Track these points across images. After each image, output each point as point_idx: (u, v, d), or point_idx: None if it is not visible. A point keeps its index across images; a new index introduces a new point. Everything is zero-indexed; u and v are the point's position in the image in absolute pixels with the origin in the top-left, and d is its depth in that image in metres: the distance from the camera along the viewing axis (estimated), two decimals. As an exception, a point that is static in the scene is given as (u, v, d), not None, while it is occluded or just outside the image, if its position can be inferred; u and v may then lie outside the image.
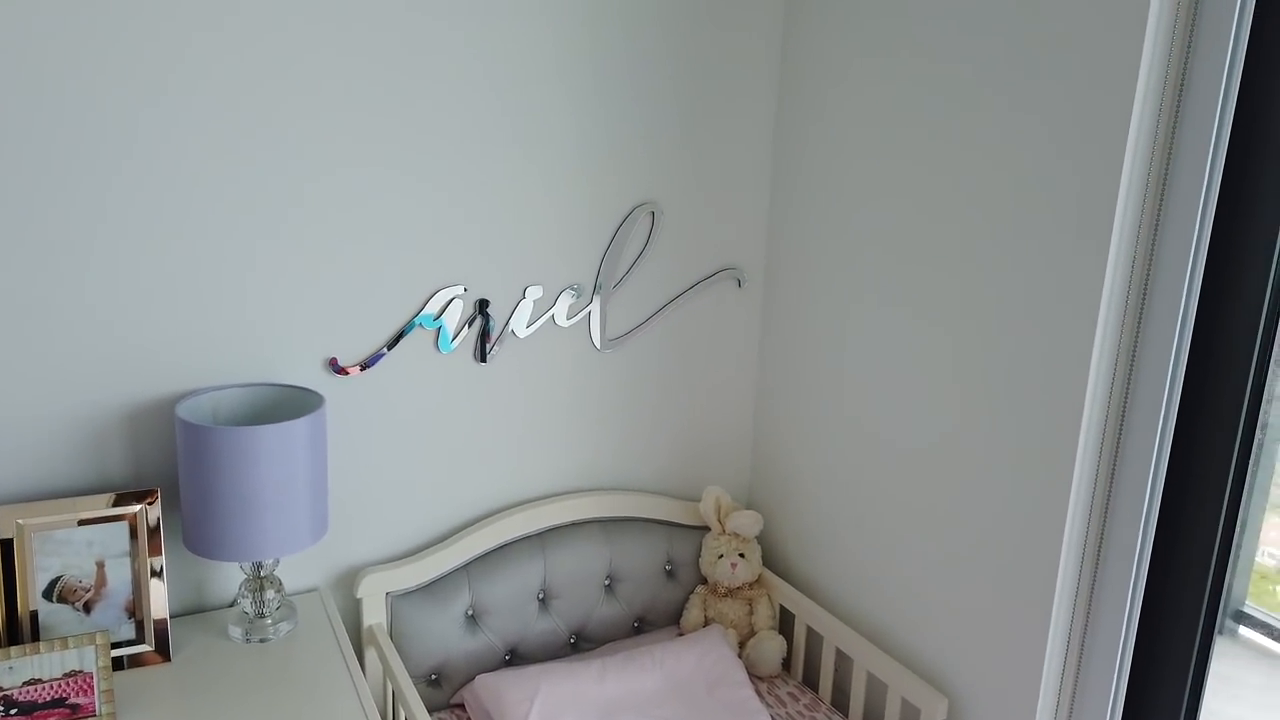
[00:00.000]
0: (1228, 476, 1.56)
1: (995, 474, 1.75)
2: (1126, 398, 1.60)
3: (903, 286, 1.93)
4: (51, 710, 1.54)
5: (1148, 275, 1.55)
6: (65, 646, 1.55)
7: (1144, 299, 1.56)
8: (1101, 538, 1.66)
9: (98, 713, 1.57)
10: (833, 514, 2.20)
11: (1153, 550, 1.65)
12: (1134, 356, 1.58)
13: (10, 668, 1.51)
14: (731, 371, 2.40)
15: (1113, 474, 1.64)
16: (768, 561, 2.42)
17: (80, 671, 1.56)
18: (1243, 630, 3.50)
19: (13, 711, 1.52)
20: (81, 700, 1.56)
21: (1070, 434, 1.60)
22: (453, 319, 2.03)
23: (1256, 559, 2.91)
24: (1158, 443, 1.58)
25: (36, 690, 1.53)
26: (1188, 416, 1.58)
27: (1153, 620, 1.68)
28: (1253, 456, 1.55)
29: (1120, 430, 1.62)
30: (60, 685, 1.55)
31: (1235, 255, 1.50)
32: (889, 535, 2.03)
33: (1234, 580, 3.46)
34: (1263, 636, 3.42)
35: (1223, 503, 1.57)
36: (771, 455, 2.40)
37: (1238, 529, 1.58)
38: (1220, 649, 3.50)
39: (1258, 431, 1.53)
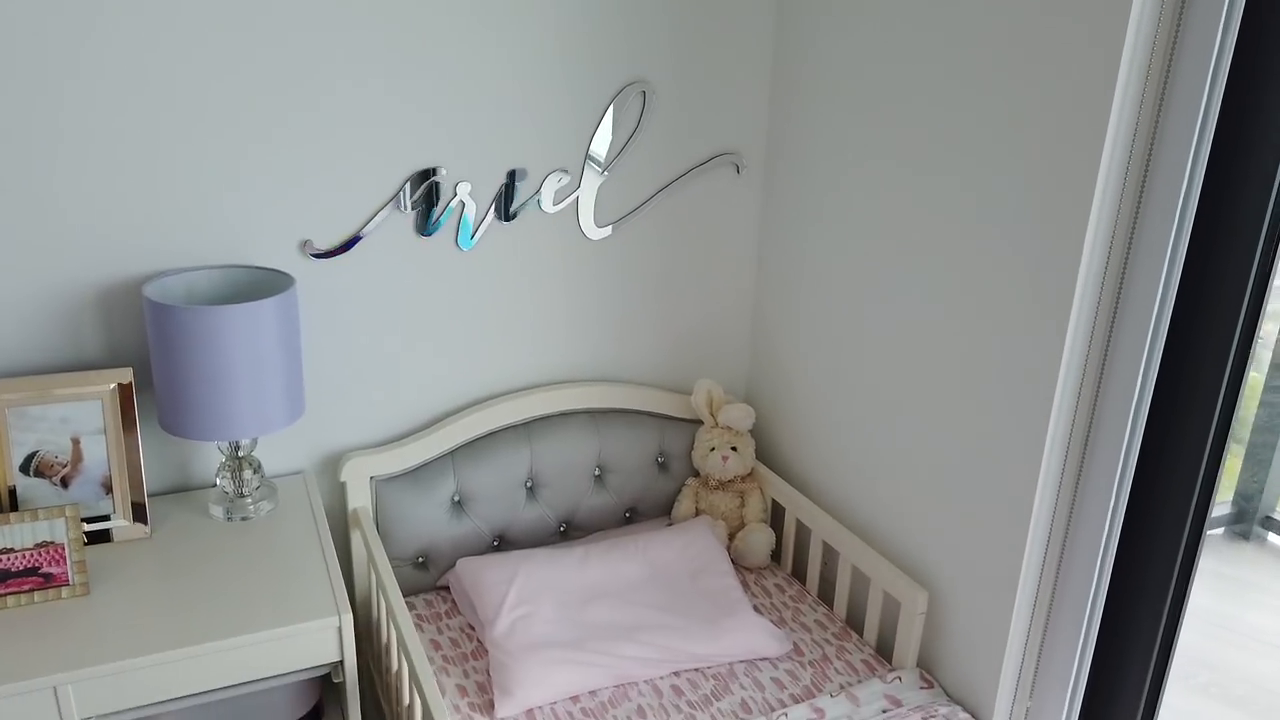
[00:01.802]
0: (1224, 374, 1.47)
1: (983, 372, 1.67)
2: (1119, 295, 1.49)
3: (904, 179, 1.82)
4: (25, 578, 1.57)
5: (1146, 164, 1.43)
6: (35, 518, 1.57)
7: (1142, 189, 1.44)
8: (1087, 439, 1.58)
9: (70, 582, 1.60)
10: (827, 410, 2.14)
11: (1140, 452, 1.57)
12: (1129, 249, 1.47)
13: (-18, 536, 1.54)
14: (729, 263, 2.32)
15: (1101, 373, 1.55)
16: (763, 456, 2.38)
17: (52, 543, 1.58)
18: (1271, 537, 3.41)
19: (-13, 578, 1.55)
20: (54, 570, 1.59)
21: (1058, 330, 1.51)
22: (430, 203, 1.97)
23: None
24: (1149, 342, 1.48)
25: (10, 559, 1.56)
26: (1183, 313, 1.48)
27: (1138, 522, 1.62)
28: (1251, 355, 1.45)
29: (1110, 327, 1.52)
30: (33, 555, 1.57)
31: (1236, 155, 1.37)
32: (881, 432, 1.97)
33: (1266, 486, 3.36)
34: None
35: (1217, 401, 1.48)
36: (770, 350, 2.34)
37: (1232, 427, 1.48)
38: (1248, 555, 3.42)
39: (1260, 327, 1.43)
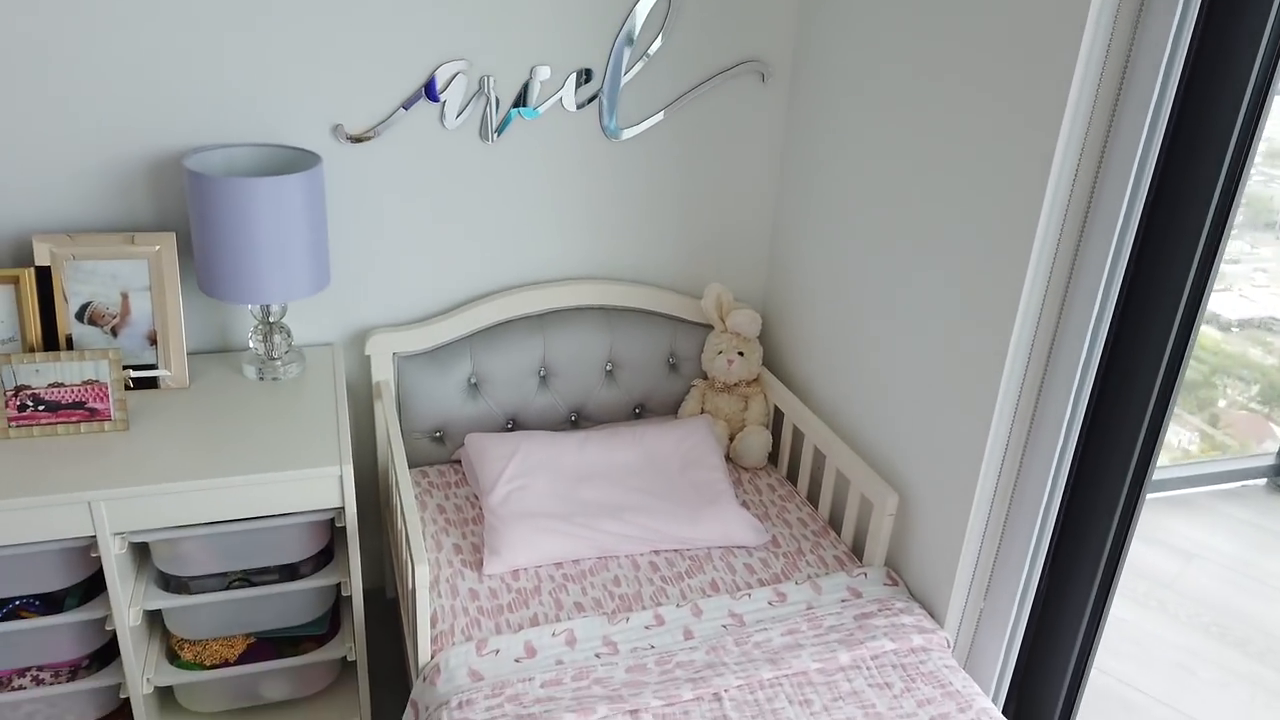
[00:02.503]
0: (1186, 281, 1.47)
1: (958, 292, 1.70)
2: (1084, 221, 1.50)
3: (919, 97, 1.83)
4: (73, 410, 1.79)
5: (1119, 89, 1.42)
6: (83, 358, 1.77)
7: (1107, 136, 1.44)
8: (1048, 358, 1.61)
9: (112, 418, 1.81)
10: (831, 321, 2.19)
11: (1097, 373, 1.59)
12: (1095, 177, 1.47)
13: (37, 370, 1.75)
14: (750, 171, 2.36)
15: (1063, 296, 1.57)
16: (771, 363, 2.46)
17: (97, 381, 1.78)
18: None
19: (40, 407, 1.77)
20: (98, 406, 1.80)
21: (1023, 254, 1.53)
22: (456, 95, 2.07)
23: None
24: (1109, 265, 1.49)
25: (60, 392, 1.77)
26: (1145, 232, 1.49)
27: (1094, 441, 1.65)
28: (1214, 268, 1.45)
29: (1075, 253, 1.53)
30: (80, 390, 1.78)
31: (1191, 127, 1.36)
32: (874, 346, 2.02)
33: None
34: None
35: (1176, 311, 1.49)
36: (786, 261, 2.39)
37: (1193, 333, 1.49)
38: (1269, 504, 3.37)
39: (1223, 239, 1.42)
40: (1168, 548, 2.97)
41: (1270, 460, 3.36)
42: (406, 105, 2.05)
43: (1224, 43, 1.36)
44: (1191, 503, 3.24)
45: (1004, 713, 1.90)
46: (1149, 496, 3.34)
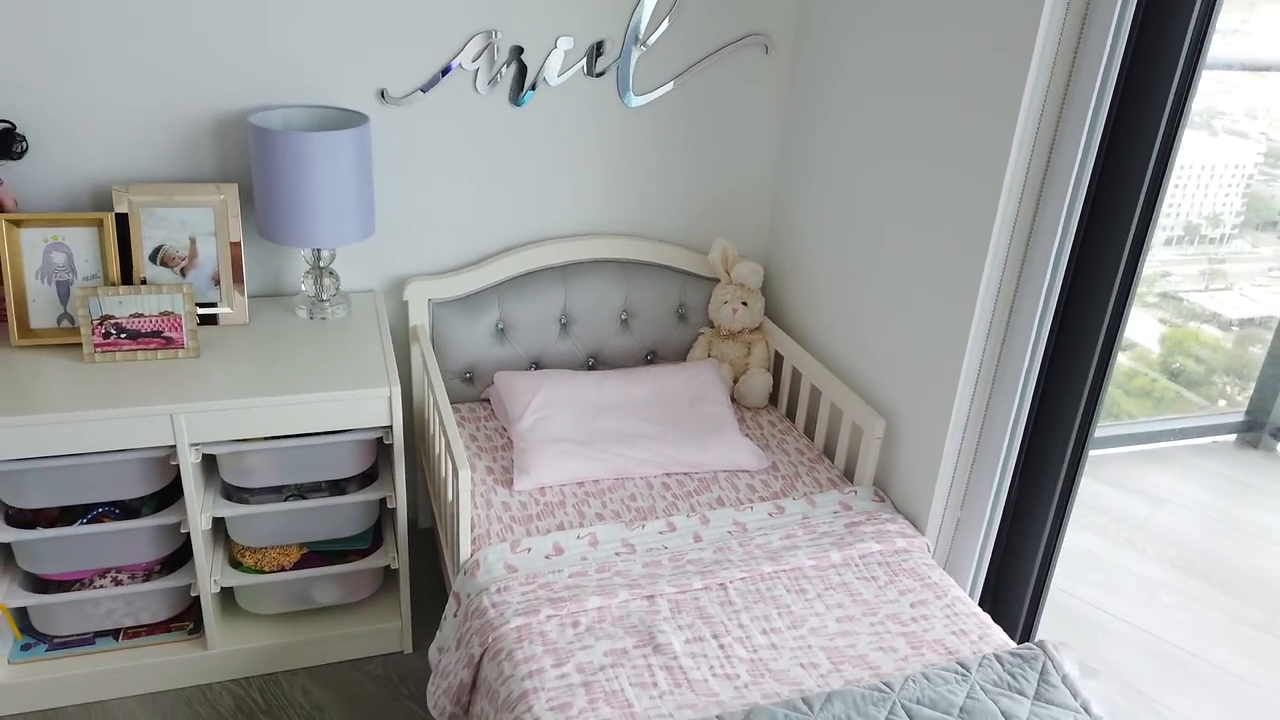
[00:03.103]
0: (1130, 228, 1.69)
1: (936, 237, 1.92)
2: (1044, 175, 1.71)
3: (904, 75, 2.05)
4: (151, 339, 2.01)
5: (1069, 79, 1.63)
6: (160, 291, 1.99)
7: (1063, 100, 1.65)
8: (1015, 291, 1.82)
9: (185, 346, 2.03)
10: (827, 271, 2.40)
11: (1057, 308, 1.81)
12: (1053, 138, 1.69)
13: (120, 302, 1.97)
14: (754, 136, 2.58)
15: (1027, 239, 1.78)
16: (772, 312, 2.68)
17: (172, 313, 2.00)
18: (1280, 446, 3.56)
19: (122, 335, 1.99)
20: (173, 335, 2.02)
21: (991, 204, 1.74)
22: (487, 63, 2.28)
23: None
24: (1066, 208, 1.70)
25: (140, 322, 1.99)
26: (1099, 185, 1.70)
27: (1055, 369, 1.86)
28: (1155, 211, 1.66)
29: (1036, 203, 1.75)
30: (157, 321, 2.00)
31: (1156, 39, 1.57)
32: (863, 289, 2.23)
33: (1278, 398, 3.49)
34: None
35: (1122, 255, 1.70)
36: (786, 218, 2.60)
37: (1140, 263, 1.71)
38: (1254, 461, 3.59)
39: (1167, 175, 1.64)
40: (1140, 494, 3.19)
41: (1239, 417, 3.57)
42: (443, 72, 2.26)
43: (1163, 7, 1.58)
44: (1164, 455, 3.46)
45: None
46: (1124, 450, 3.57)
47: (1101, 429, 3.48)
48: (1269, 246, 3.60)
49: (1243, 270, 3.89)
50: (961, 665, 1.62)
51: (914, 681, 1.58)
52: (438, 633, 1.94)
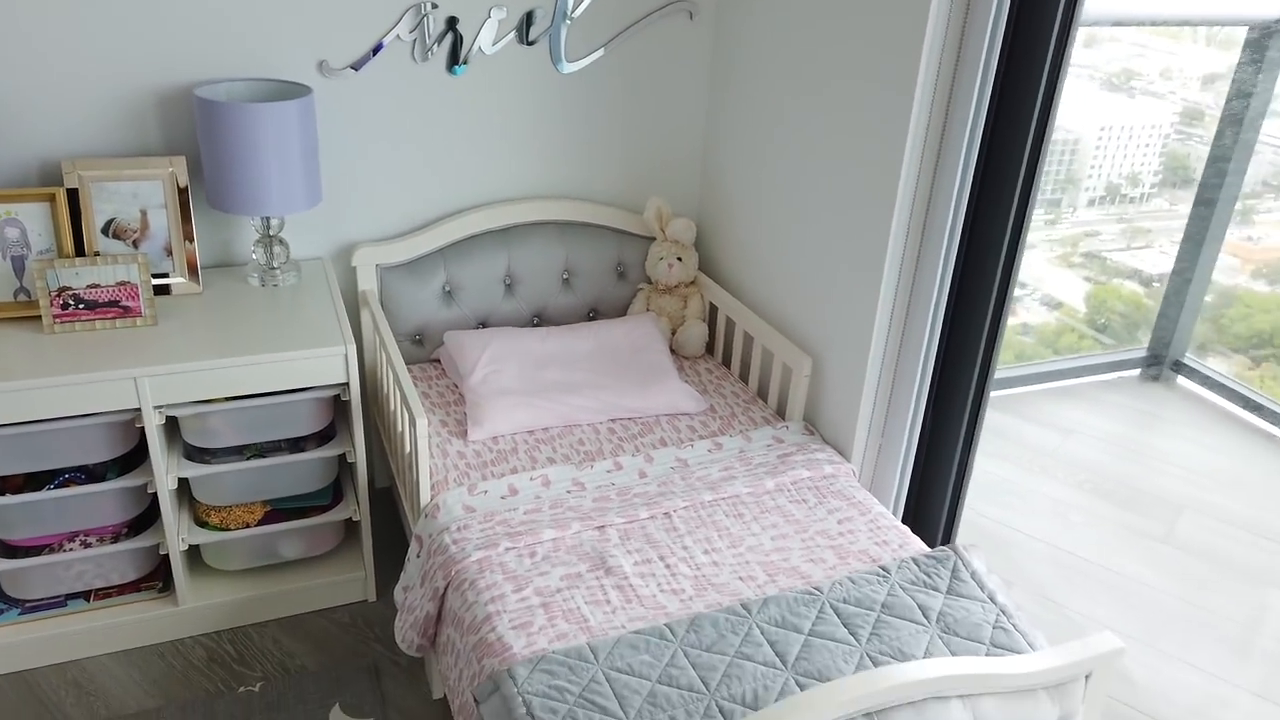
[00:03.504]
0: (1019, 170, 1.87)
1: (850, 187, 2.08)
2: (940, 143, 1.88)
3: (813, 34, 2.19)
4: (109, 308, 2.08)
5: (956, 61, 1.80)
6: (115, 261, 2.06)
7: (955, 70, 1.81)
8: (922, 237, 1.99)
9: (143, 314, 2.10)
10: (756, 223, 2.56)
11: (959, 249, 1.99)
12: (948, 102, 1.85)
13: (76, 273, 2.04)
14: (683, 98, 2.71)
15: (930, 191, 1.95)
16: (706, 266, 2.82)
17: (129, 283, 2.08)
18: (1180, 379, 3.84)
19: (80, 306, 2.05)
20: (130, 304, 2.09)
21: (897, 159, 1.91)
22: (424, 33, 2.37)
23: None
24: (962, 161, 1.87)
25: (97, 292, 2.06)
26: (995, 134, 1.88)
27: (960, 305, 2.05)
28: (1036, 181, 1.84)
29: (935, 166, 1.91)
30: (114, 290, 2.07)
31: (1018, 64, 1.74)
32: (789, 239, 2.39)
33: (1175, 334, 3.77)
34: (1196, 385, 3.77)
35: (1012, 202, 1.88)
36: (716, 175, 2.75)
37: (1029, 208, 1.89)
38: (1157, 394, 3.85)
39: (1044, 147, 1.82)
40: (1051, 426, 3.43)
41: (1143, 353, 3.84)
42: (381, 43, 2.35)
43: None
44: (1075, 391, 3.71)
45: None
46: (1038, 387, 3.80)
47: (1016, 369, 3.73)
48: (1185, 204, 3.82)
49: (1161, 227, 4.12)
50: (883, 569, 1.80)
51: (840, 585, 1.75)
52: (402, 574, 2.06)
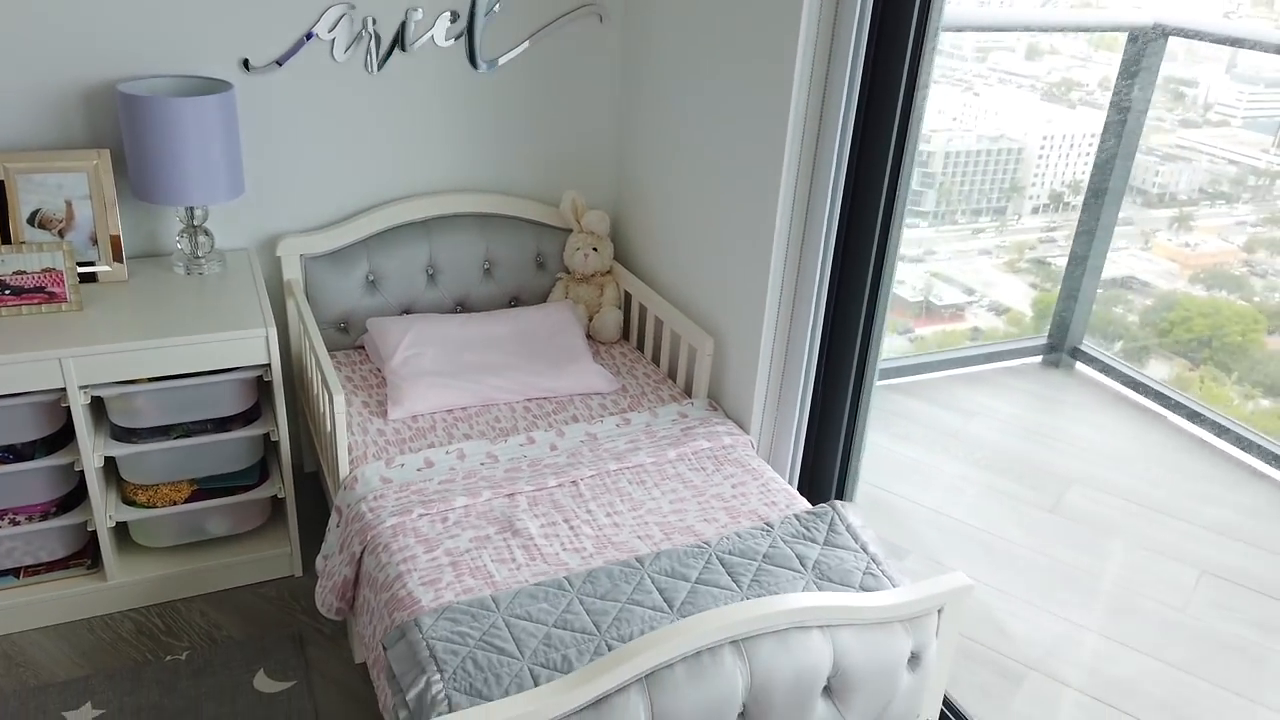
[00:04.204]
0: (885, 173, 2.04)
1: (743, 179, 2.24)
2: (818, 133, 2.05)
3: (709, 36, 2.35)
4: (35, 294, 2.16)
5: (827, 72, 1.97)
6: (41, 249, 2.14)
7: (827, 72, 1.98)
8: (806, 219, 2.16)
9: (69, 300, 2.18)
10: (666, 214, 2.71)
11: (838, 228, 2.16)
12: (824, 91, 2.02)
13: (3, 260, 2.11)
14: (596, 95, 2.86)
15: (811, 178, 2.11)
16: (622, 256, 2.97)
17: (54, 269, 2.16)
18: (1078, 365, 4.08)
19: (6, 292, 2.13)
20: (56, 290, 2.17)
21: (778, 156, 2.07)
22: (343, 33, 2.49)
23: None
24: (836, 154, 2.04)
25: (23, 279, 2.14)
26: (863, 135, 2.05)
27: (840, 290, 2.21)
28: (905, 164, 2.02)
29: (815, 150, 2.08)
30: (40, 277, 2.15)
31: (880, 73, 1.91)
32: (694, 228, 2.54)
33: (1073, 322, 3.99)
34: (1093, 370, 4.00)
35: (882, 186, 2.06)
36: (630, 170, 2.89)
37: (898, 197, 2.07)
38: (1057, 380, 4.07)
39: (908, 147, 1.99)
40: (956, 409, 3.63)
41: (1044, 341, 4.07)
42: (301, 42, 2.46)
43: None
44: (980, 377, 3.93)
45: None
46: (948, 373, 4.00)
47: (925, 356, 3.93)
48: (1127, 210, 3.99)
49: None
50: (767, 524, 1.95)
51: (727, 539, 1.90)
52: (323, 544, 2.17)
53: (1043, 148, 4.16)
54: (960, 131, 4.20)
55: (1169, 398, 3.63)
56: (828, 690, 1.62)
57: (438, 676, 1.56)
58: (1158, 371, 3.77)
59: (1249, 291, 3.73)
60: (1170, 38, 3.46)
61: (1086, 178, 3.93)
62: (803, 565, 1.85)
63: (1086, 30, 3.74)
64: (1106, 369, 3.89)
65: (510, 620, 1.69)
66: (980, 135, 4.19)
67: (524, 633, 1.66)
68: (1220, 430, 3.40)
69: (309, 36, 2.46)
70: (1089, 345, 3.99)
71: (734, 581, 1.80)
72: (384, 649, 1.69)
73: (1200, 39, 3.61)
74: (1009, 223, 4.33)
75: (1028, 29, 3.64)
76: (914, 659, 1.70)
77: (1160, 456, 3.43)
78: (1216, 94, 3.67)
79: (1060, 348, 4.03)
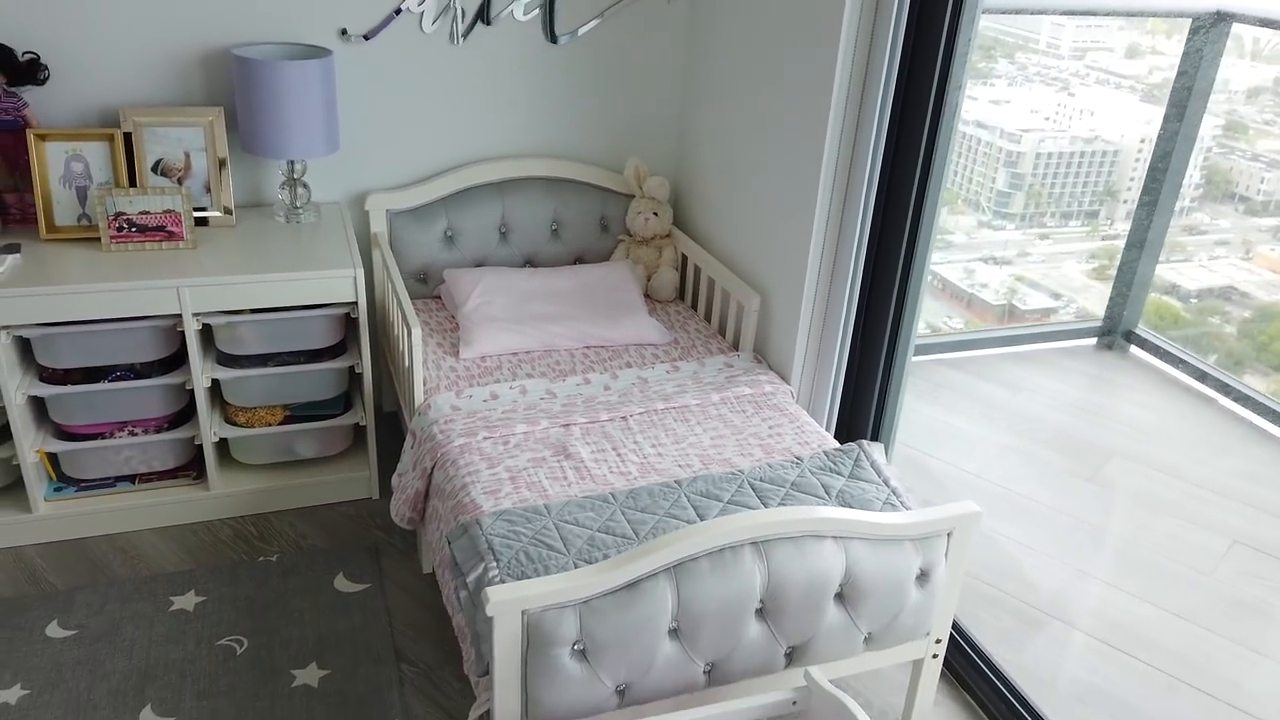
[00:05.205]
0: (921, 143, 2.18)
1: (789, 155, 2.40)
2: (859, 110, 2.20)
3: (768, 17, 2.53)
4: (157, 232, 2.45)
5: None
6: (163, 192, 2.43)
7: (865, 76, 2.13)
8: (845, 199, 2.31)
9: (185, 239, 2.47)
10: (722, 182, 2.88)
11: (879, 202, 2.31)
12: (866, 71, 2.17)
13: (131, 201, 2.41)
14: (661, 70, 3.04)
15: (851, 154, 2.27)
16: (680, 221, 3.16)
17: (174, 211, 2.44)
18: (1132, 348, 4.14)
19: (133, 229, 2.42)
20: (174, 230, 2.46)
21: (821, 131, 2.23)
22: (431, 6, 2.72)
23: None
24: (875, 127, 2.19)
25: (147, 219, 2.43)
26: (904, 103, 2.20)
27: (882, 244, 2.36)
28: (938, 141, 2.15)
29: (855, 128, 2.23)
30: (161, 218, 2.44)
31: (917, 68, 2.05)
32: (748, 196, 2.71)
33: (1128, 304, 4.04)
34: (1148, 354, 4.06)
35: (919, 154, 2.20)
36: (690, 139, 3.08)
37: (932, 173, 2.20)
38: (1110, 361, 4.13)
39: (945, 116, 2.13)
40: (1004, 385, 3.73)
41: (1099, 324, 4.13)
42: (392, 16, 2.70)
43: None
44: (1032, 356, 4.01)
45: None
46: (1001, 350, 4.09)
47: (975, 332, 4.03)
48: (1225, 219, 3.82)
49: (1198, 242, 4.02)
50: (797, 458, 2.13)
51: (759, 468, 2.09)
52: (398, 464, 2.42)
53: (1139, 150, 4.11)
54: (1053, 132, 4.18)
55: (1222, 382, 3.67)
56: (840, 597, 1.80)
57: (494, 564, 1.78)
58: (1256, 385, 3.65)
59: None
60: (1233, 24, 3.49)
61: (1188, 183, 3.82)
62: (827, 493, 2.02)
63: (1137, 15, 3.77)
64: (1161, 352, 3.93)
65: (559, 524, 1.90)
66: (1074, 136, 4.18)
67: (570, 534, 1.87)
68: (1274, 415, 3.43)
69: (399, 11, 2.70)
70: (1144, 329, 4.04)
71: (762, 504, 1.98)
72: (449, 543, 1.92)
73: (1268, 26, 3.62)
74: (1100, 227, 4.31)
75: (1071, 13, 3.69)
76: (923, 576, 1.85)
77: (1206, 437, 3.48)
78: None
79: (1114, 330, 4.09)
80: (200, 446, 2.55)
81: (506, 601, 1.57)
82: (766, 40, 2.54)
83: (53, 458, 2.50)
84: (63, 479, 2.54)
